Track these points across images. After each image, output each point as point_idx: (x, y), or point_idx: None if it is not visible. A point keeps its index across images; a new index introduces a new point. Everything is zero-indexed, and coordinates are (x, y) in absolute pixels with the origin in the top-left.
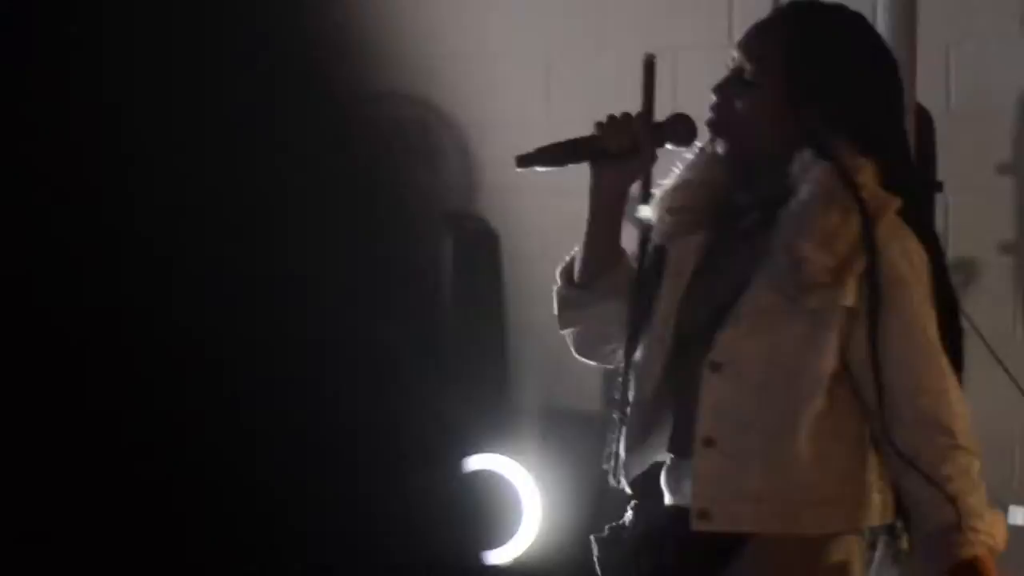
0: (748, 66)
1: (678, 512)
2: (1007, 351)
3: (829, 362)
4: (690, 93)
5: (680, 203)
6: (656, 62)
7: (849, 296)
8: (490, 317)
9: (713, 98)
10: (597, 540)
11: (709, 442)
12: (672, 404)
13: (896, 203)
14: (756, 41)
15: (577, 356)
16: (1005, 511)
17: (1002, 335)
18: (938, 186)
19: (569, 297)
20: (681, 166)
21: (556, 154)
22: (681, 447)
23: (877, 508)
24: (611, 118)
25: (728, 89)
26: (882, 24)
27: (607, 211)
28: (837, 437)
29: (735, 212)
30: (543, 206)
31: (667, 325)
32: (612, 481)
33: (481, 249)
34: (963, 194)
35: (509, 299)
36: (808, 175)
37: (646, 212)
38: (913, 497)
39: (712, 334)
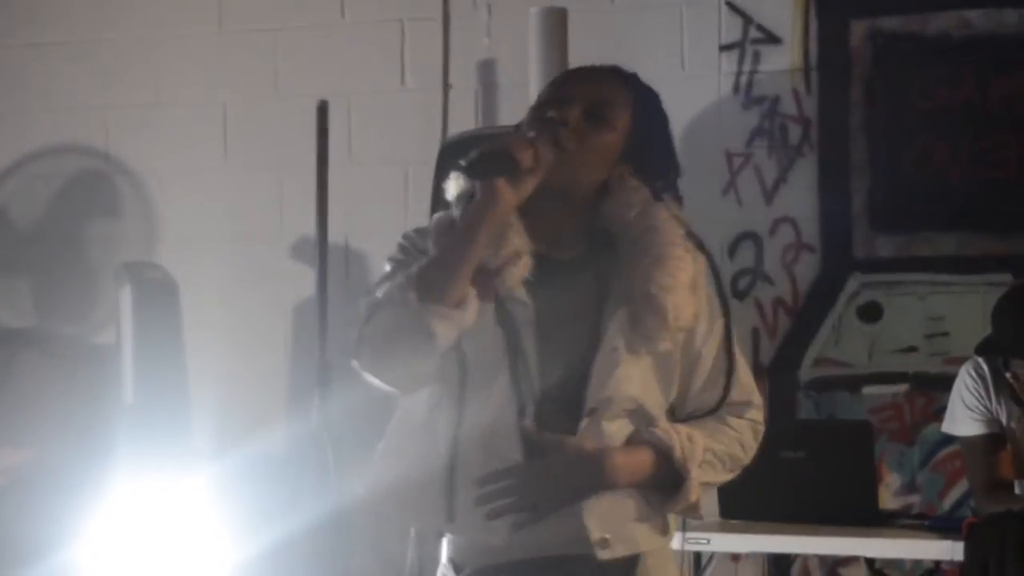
0: (599, 106)
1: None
2: None
3: (669, 397)
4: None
5: (515, 249)
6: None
7: (696, 339)
8: (169, 364)
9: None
10: None
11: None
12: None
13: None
14: (608, 88)
15: (377, 379)
16: None
17: None
18: None
19: (450, 316)
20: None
21: (488, 165)
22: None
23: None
24: (518, 136)
25: (589, 123)
26: (535, 63)
27: (493, 229)
28: None
29: (554, 260)
30: (220, 255)
31: (530, 380)
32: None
33: (160, 297)
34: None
35: (188, 346)
36: (640, 215)
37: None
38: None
39: (580, 385)
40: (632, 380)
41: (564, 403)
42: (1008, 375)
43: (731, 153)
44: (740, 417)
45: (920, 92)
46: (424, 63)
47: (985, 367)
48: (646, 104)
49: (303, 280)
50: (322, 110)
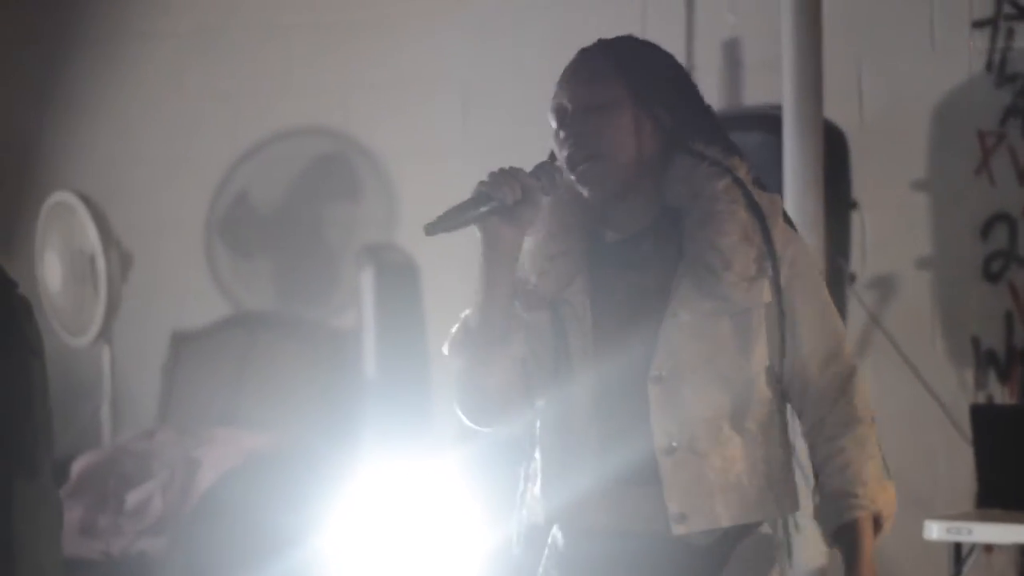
0: (585, 95)
1: (645, 531)
2: (925, 364)
3: (759, 358)
4: None
5: (558, 249)
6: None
7: (766, 292)
8: (411, 347)
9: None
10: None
11: (671, 451)
12: (603, 435)
13: (781, 202)
14: (583, 72)
15: (475, 425)
16: (921, 525)
17: (920, 349)
18: (853, 204)
19: (496, 353)
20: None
21: (458, 216)
22: (632, 468)
23: (793, 497)
24: (496, 173)
25: (578, 122)
26: (787, 40)
27: (507, 263)
28: (771, 428)
29: (610, 246)
30: (460, 236)
31: (587, 360)
32: (523, 520)
33: (401, 280)
34: (878, 210)
35: (430, 329)
36: (695, 180)
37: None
38: (816, 465)
39: (647, 353)
40: (701, 344)
41: (632, 378)
42: None
43: (984, 132)
44: (851, 384)
45: None
46: (666, 42)
47: None
48: (634, 64)
49: None
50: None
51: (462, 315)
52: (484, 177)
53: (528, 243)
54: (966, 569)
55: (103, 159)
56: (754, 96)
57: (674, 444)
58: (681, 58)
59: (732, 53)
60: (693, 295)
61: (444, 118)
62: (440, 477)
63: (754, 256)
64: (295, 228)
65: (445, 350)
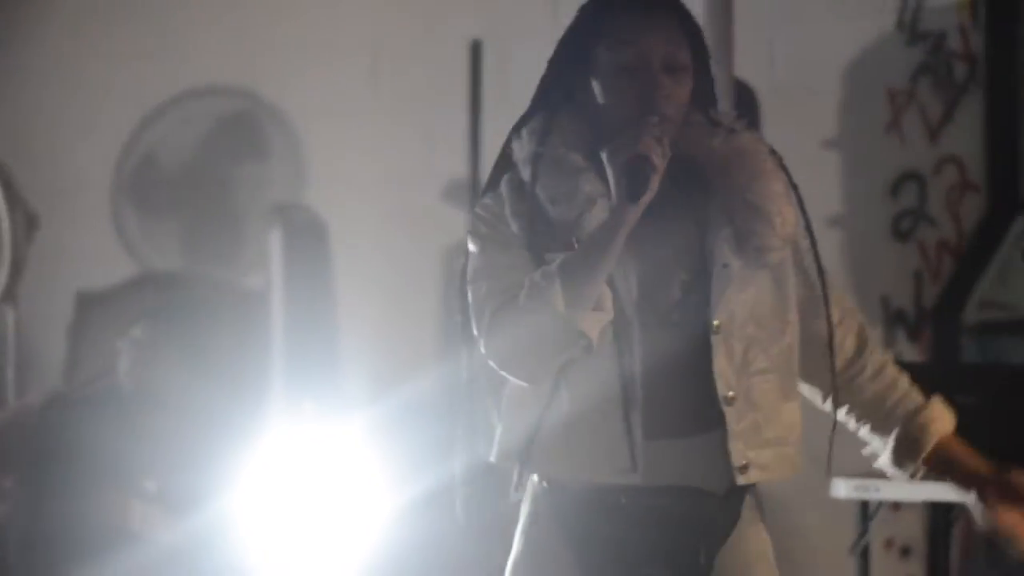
0: (662, 55)
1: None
2: None
3: (793, 313)
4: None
5: (597, 193)
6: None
7: (802, 253)
8: (320, 307)
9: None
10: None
11: (730, 400)
12: (650, 384)
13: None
14: (660, 31)
15: (514, 376)
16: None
17: None
18: None
19: (596, 317)
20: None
21: (646, 183)
22: (691, 419)
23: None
24: (647, 134)
25: (653, 82)
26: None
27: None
28: (797, 382)
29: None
30: (371, 196)
31: (629, 304)
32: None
33: (310, 240)
34: (789, 169)
35: (339, 289)
36: (724, 141)
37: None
38: (882, 399)
39: (698, 301)
40: (750, 293)
41: (683, 325)
42: None
43: (894, 91)
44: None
45: None
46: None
47: None
48: (696, 32)
49: (455, 222)
50: (475, 50)
51: (538, 277)
52: (393, 136)
53: (559, 187)
54: (873, 525)
55: (6, 120)
56: None
57: (731, 394)
58: None
59: None
60: (735, 245)
61: (353, 77)
62: (348, 438)
63: (795, 219)
64: (203, 188)
65: (531, 305)
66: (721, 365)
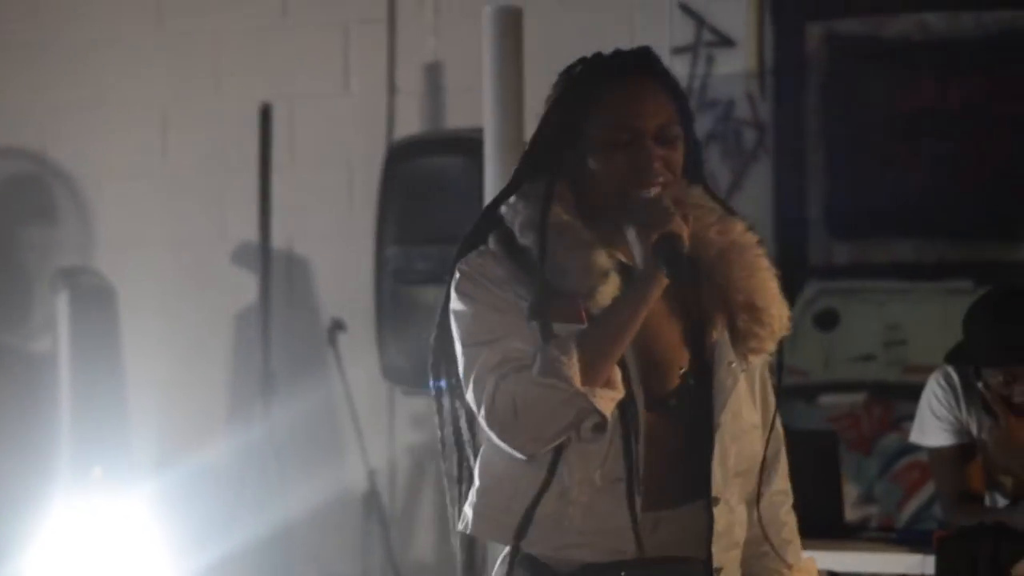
0: (655, 124)
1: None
2: None
3: (758, 415)
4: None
5: (606, 268)
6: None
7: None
8: (108, 371)
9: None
10: None
11: (715, 501)
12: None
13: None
14: (668, 106)
15: (518, 450)
16: None
17: None
18: None
19: (609, 395)
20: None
21: (670, 249)
22: (680, 493)
23: None
24: (668, 210)
25: (648, 151)
26: (489, 64)
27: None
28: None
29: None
30: (160, 260)
31: (637, 384)
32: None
33: (97, 303)
34: None
35: (126, 353)
36: (720, 232)
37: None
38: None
39: (694, 390)
40: (736, 393)
41: (679, 413)
42: (979, 384)
43: None
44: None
45: (877, 96)
46: (369, 66)
47: (955, 376)
48: (683, 97)
49: (245, 286)
50: (265, 113)
51: (555, 350)
52: (183, 200)
53: (566, 264)
54: None
55: None
56: (456, 119)
57: (718, 496)
58: (383, 81)
59: (434, 77)
60: (729, 341)
61: (143, 140)
62: (137, 506)
63: (787, 314)
64: None
65: (552, 380)
66: (716, 465)
